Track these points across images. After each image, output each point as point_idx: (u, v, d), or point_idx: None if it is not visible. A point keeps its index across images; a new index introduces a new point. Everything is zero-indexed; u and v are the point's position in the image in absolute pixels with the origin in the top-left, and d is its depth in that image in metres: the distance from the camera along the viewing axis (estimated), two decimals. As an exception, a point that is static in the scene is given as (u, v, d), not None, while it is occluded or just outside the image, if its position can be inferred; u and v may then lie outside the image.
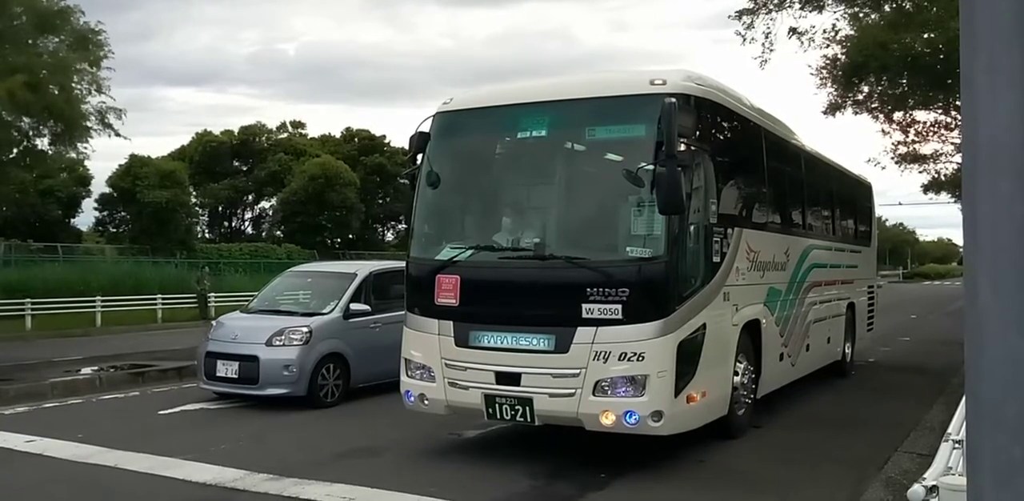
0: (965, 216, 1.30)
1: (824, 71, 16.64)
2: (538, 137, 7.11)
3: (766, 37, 13.88)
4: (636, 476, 6.54)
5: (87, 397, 10.51)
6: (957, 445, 3.16)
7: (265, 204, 57.96)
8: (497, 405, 6.58)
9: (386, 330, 10.05)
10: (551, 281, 6.61)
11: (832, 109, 17.78)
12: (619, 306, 6.22)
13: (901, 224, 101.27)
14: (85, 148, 22.18)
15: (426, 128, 7.44)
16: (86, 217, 44.21)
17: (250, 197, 57.56)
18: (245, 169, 56.14)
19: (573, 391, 6.29)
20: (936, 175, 23.27)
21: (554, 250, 6.77)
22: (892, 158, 21.49)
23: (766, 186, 8.95)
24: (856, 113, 18.05)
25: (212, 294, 24.73)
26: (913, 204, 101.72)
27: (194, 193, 47.83)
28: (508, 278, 6.86)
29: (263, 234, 55.40)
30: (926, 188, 26.28)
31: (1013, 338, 1.25)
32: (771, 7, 13.17)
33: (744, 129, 8.33)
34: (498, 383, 6.56)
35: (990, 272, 1.27)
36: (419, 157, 7.40)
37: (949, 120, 17.61)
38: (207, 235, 54.58)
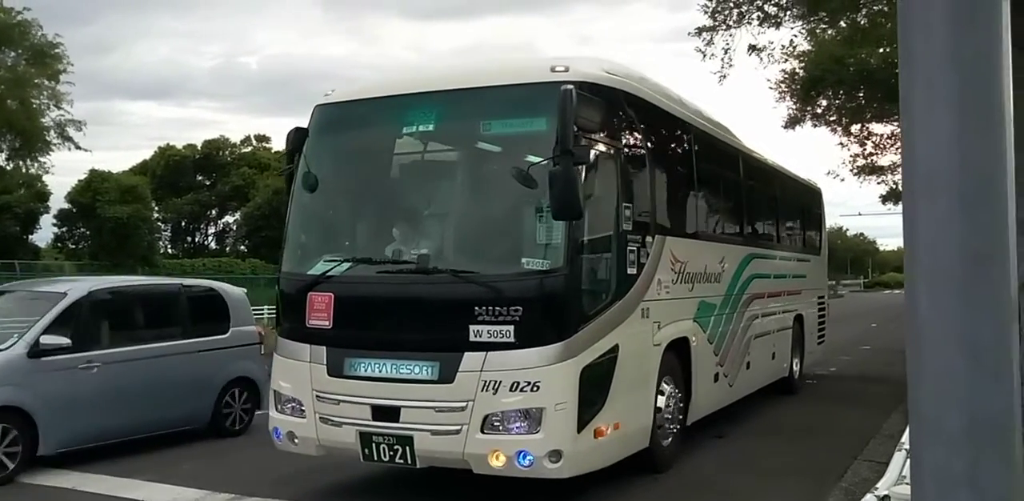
0: (905, 234, 1.34)
1: (783, 85, 16.94)
2: (425, 132, 6.35)
3: (725, 53, 14.08)
4: (598, 488, 6.54)
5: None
6: (910, 455, 3.21)
7: (229, 219, 57.55)
8: (374, 444, 5.72)
9: (111, 372, 7.68)
10: (435, 299, 5.81)
11: (792, 122, 18.09)
12: (511, 327, 5.42)
13: (862, 234, 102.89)
14: (44, 162, 21.91)
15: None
16: (45, 233, 43.50)
17: (214, 212, 57.06)
18: (208, 183, 55.69)
19: (459, 428, 5.48)
20: (894, 186, 23.66)
21: (439, 263, 5.97)
22: (851, 170, 21.86)
23: (696, 190, 8.19)
24: (815, 126, 18.40)
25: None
26: (873, 214, 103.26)
27: (156, 208, 47.29)
28: (387, 295, 6.02)
29: (227, 249, 54.86)
30: (884, 198, 26.69)
31: (952, 354, 1.28)
32: (730, 24, 13.37)
33: (669, 126, 7.65)
34: (375, 419, 5.71)
35: (929, 289, 1.30)
36: (297, 157, 6.53)
37: (904, 133, 17.93)
38: (170, 250, 53.95)
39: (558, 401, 5.41)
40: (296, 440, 6.15)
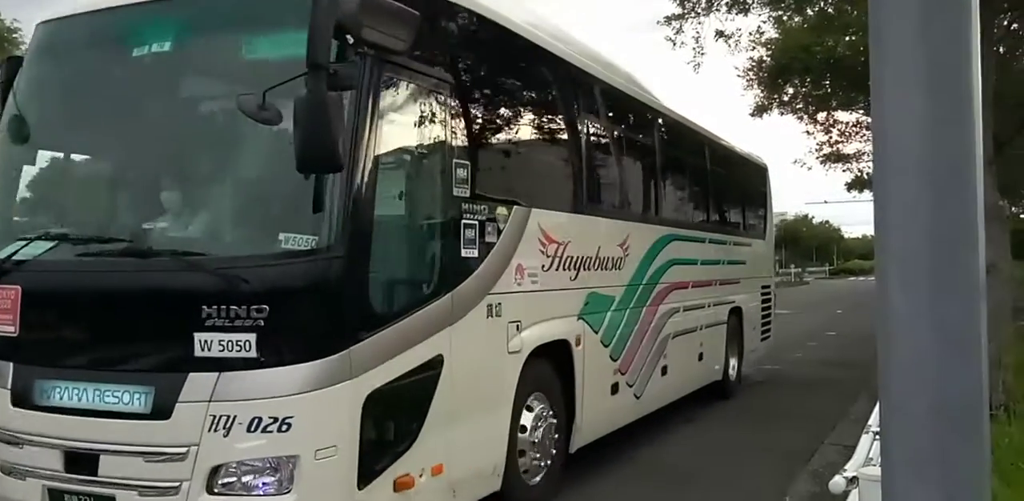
0: (876, 218, 1.35)
1: (750, 73, 17.03)
2: (160, 55, 4.36)
3: (696, 41, 14.13)
4: (567, 474, 6.54)
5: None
6: (877, 437, 3.27)
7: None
8: None
9: None
10: (151, 293, 4.04)
11: (759, 110, 18.19)
12: (252, 336, 3.71)
13: (827, 222, 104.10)
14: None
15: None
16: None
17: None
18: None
19: (176, 485, 3.78)
20: (859, 173, 23.93)
21: (159, 241, 4.19)
22: (817, 158, 22.05)
23: (584, 152, 6.51)
24: (782, 114, 18.50)
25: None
26: (838, 202, 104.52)
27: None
28: (91, 289, 4.18)
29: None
30: (850, 186, 26.98)
31: (922, 336, 1.30)
32: (699, 11, 13.40)
33: (541, 64, 6.02)
34: (68, 470, 4.02)
35: (900, 272, 1.31)
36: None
37: (870, 120, 18.10)
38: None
39: (321, 445, 3.76)
40: None
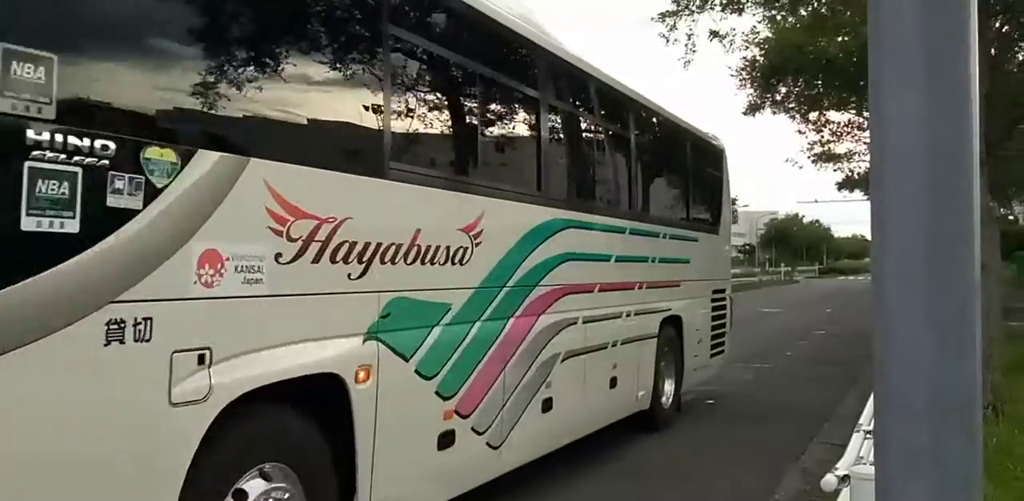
0: (872, 215, 1.34)
1: (744, 72, 17.08)
2: None
3: (689, 38, 14.17)
4: (557, 469, 6.48)
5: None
6: (868, 435, 3.29)
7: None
8: None
9: None
10: None
11: (752, 109, 18.26)
12: None
13: (817, 221, 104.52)
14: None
15: None
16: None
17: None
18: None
19: None
20: (850, 173, 24.07)
21: None
22: (809, 157, 22.15)
23: (389, 75, 4.19)
24: (774, 113, 18.58)
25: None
26: (829, 201, 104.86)
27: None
28: None
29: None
30: (840, 186, 27.13)
31: (918, 332, 1.29)
32: (693, 9, 13.45)
33: None
34: None
35: (896, 269, 1.31)
36: None
37: (861, 120, 18.24)
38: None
39: None
40: None
